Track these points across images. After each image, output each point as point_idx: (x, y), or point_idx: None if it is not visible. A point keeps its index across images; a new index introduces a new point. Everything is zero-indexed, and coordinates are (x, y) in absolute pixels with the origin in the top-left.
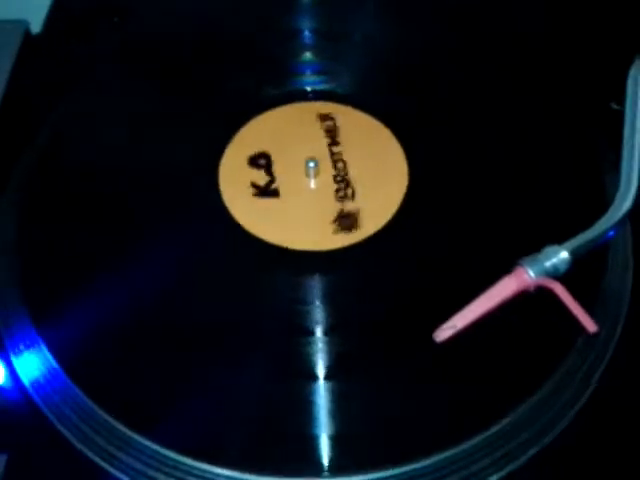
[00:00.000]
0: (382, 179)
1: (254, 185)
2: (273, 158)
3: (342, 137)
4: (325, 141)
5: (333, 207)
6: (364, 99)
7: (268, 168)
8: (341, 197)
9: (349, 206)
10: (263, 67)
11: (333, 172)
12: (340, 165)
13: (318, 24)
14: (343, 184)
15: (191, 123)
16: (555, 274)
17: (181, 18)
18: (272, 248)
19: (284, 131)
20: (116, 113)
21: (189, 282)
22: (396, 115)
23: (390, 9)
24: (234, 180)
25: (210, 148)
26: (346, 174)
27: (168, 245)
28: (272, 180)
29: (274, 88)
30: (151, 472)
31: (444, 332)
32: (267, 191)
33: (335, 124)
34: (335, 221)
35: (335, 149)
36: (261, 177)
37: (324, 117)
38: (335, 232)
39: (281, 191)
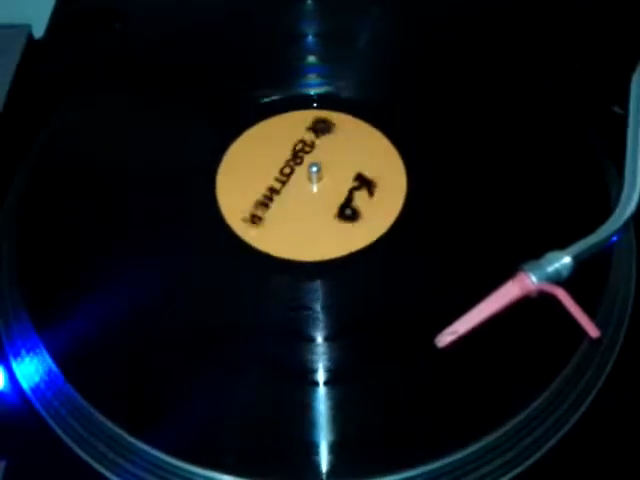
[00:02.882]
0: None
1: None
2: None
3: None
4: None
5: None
6: (363, 105)
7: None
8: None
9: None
10: (262, 72)
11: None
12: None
13: (317, 28)
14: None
15: (188, 131)
16: (558, 279)
17: (178, 22)
18: (272, 259)
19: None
20: (115, 117)
21: (190, 289)
22: (396, 124)
23: (389, 14)
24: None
25: (208, 156)
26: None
27: (168, 253)
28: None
29: (275, 94)
30: (151, 478)
31: (446, 337)
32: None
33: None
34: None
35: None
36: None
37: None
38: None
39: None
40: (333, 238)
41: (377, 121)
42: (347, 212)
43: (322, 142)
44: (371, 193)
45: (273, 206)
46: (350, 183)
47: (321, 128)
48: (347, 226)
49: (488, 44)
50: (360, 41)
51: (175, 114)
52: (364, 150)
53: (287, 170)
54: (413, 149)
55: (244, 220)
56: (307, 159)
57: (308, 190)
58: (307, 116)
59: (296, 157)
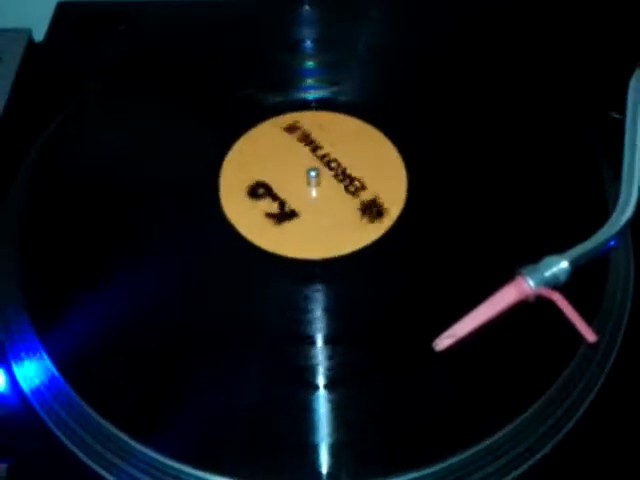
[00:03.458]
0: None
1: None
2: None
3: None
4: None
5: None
6: (362, 107)
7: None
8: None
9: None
10: (262, 76)
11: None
12: (342, 176)
13: (315, 34)
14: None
15: (188, 136)
16: (555, 284)
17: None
18: (269, 255)
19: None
20: (116, 120)
21: (191, 292)
22: (396, 125)
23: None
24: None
25: (210, 158)
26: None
27: (170, 256)
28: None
29: (274, 97)
30: None
31: (443, 341)
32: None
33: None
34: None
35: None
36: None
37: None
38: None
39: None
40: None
41: (377, 122)
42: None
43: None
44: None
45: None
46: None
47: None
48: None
49: (488, 47)
50: (358, 44)
51: (176, 117)
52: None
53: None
54: (413, 151)
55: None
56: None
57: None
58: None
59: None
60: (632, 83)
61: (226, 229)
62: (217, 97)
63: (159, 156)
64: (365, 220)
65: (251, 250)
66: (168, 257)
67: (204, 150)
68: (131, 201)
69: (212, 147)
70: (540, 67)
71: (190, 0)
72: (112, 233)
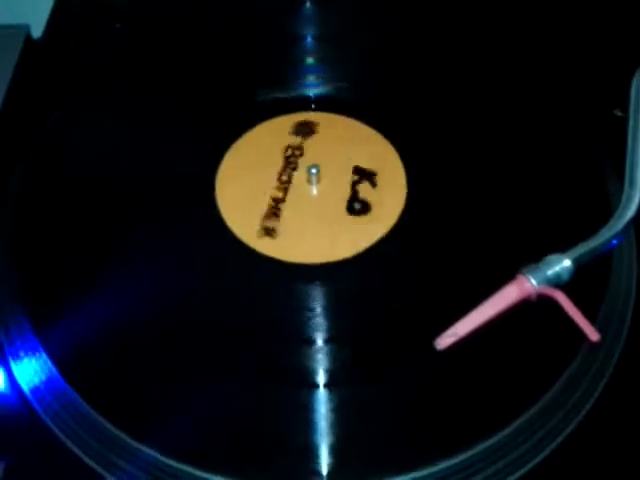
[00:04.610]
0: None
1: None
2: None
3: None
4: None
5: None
6: (366, 106)
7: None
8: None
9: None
10: (263, 73)
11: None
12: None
13: (316, 30)
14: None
15: (191, 130)
16: (558, 283)
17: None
18: (266, 259)
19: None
20: (113, 118)
21: (189, 292)
22: (397, 126)
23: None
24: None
25: (207, 158)
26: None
27: (168, 255)
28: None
29: (275, 95)
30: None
31: (445, 340)
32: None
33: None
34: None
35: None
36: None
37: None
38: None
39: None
40: (336, 239)
41: (373, 120)
42: (356, 206)
43: (310, 145)
44: (373, 184)
45: (281, 214)
46: (349, 181)
47: (304, 131)
48: (355, 222)
49: (488, 45)
50: (356, 42)
51: (174, 117)
52: (358, 148)
53: (285, 177)
54: (414, 153)
55: (258, 234)
56: (301, 163)
57: (309, 192)
58: (305, 118)
59: (289, 163)
60: (635, 80)
61: (223, 231)
62: (215, 97)
63: (156, 157)
64: (355, 218)
65: (247, 253)
66: (165, 256)
67: (201, 151)
68: (129, 201)
69: (209, 148)
70: (542, 65)
71: None
72: (110, 233)
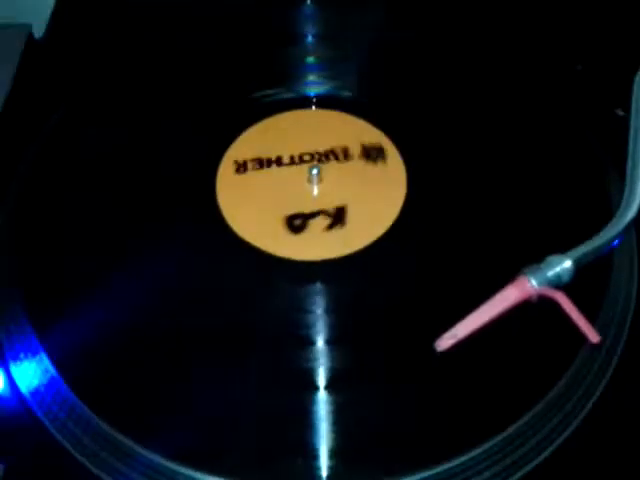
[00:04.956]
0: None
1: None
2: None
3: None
4: (322, 150)
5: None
6: (367, 105)
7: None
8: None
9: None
10: (264, 72)
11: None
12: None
13: (318, 29)
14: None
15: (192, 129)
16: (558, 283)
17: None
18: (268, 256)
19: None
20: (116, 115)
21: (190, 294)
22: (396, 124)
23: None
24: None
25: (209, 154)
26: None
27: (168, 257)
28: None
29: (276, 94)
30: None
31: (445, 341)
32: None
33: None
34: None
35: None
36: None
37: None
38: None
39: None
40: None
41: (379, 122)
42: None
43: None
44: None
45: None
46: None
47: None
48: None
49: (489, 45)
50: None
51: (174, 114)
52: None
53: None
54: (414, 152)
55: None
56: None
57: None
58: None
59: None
60: (637, 80)
61: (223, 230)
62: (216, 97)
63: (157, 157)
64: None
65: (249, 251)
66: (166, 258)
67: (202, 150)
68: (130, 202)
69: (210, 147)
70: (544, 65)
71: None
72: (110, 234)
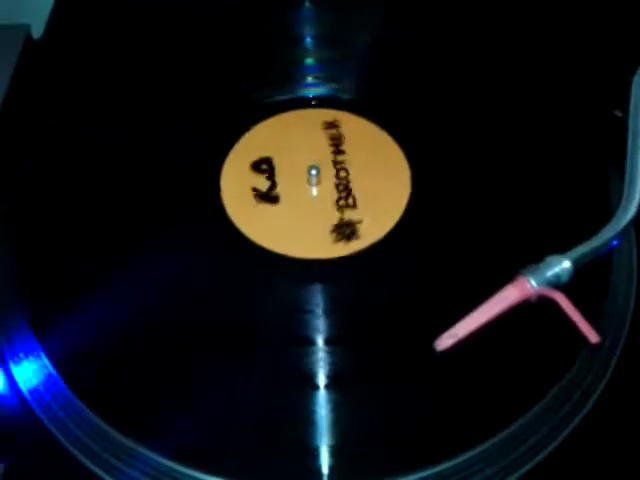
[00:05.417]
0: (384, 188)
1: (255, 190)
2: (276, 165)
3: (345, 145)
4: (329, 149)
5: (333, 216)
6: (368, 105)
7: (270, 174)
8: (342, 206)
9: (349, 215)
10: (265, 73)
11: (335, 180)
12: (342, 173)
13: (320, 30)
14: (345, 193)
15: (193, 129)
16: (557, 284)
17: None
18: (272, 256)
19: (288, 138)
20: (116, 115)
21: (190, 292)
22: (400, 123)
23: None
24: (236, 188)
25: (212, 155)
26: (348, 182)
27: (168, 255)
28: (273, 186)
29: (277, 94)
30: None
31: (445, 341)
32: (268, 197)
33: (339, 132)
34: (334, 231)
35: (338, 157)
36: (263, 183)
37: (328, 125)
38: (334, 242)
39: (282, 198)
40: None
41: (383, 122)
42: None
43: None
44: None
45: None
46: (353, 183)
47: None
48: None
49: (490, 46)
50: (359, 41)
51: (174, 114)
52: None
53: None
54: (418, 152)
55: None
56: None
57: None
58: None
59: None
60: (635, 80)
61: (228, 228)
62: (218, 94)
63: (157, 157)
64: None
65: (253, 249)
66: (167, 257)
67: (205, 149)
68: (131, 202)
69: (213, 146)
70: (543, 66)
71: None
72: (110, 234)
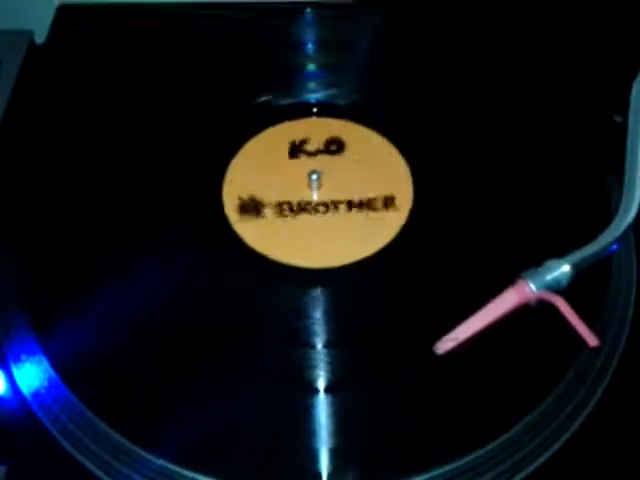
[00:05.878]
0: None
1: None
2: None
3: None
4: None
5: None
6: (367, 112)
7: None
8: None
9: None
10: (265, 81)
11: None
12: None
13: (320, 36)
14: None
15: (195, 138)
16: (557, 288)
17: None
18: (276, 265)
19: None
20: (119, 121)
21: (191, 297)
22: (400, 130)
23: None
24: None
25: (214, 164)
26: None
27: (170, 260)
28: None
29: (282, 100)
30: None
31: (445, 344)
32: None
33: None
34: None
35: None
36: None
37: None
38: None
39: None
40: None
41: (383, 129)
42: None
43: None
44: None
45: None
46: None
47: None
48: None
49: (491, 51)
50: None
51: (176, 120)
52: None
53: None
54: (419, 158)
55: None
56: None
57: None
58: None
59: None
60: (635, 86)
61: (229, 236)
62: (221, 103)
63: (159, 163)
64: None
65: (254, 257)
66: (168, 261)
67: (208, 157)
68: (132, 206)
69: (216, 154)
70: (543, 70)
71: (191, 2)
72: (112, 237)
